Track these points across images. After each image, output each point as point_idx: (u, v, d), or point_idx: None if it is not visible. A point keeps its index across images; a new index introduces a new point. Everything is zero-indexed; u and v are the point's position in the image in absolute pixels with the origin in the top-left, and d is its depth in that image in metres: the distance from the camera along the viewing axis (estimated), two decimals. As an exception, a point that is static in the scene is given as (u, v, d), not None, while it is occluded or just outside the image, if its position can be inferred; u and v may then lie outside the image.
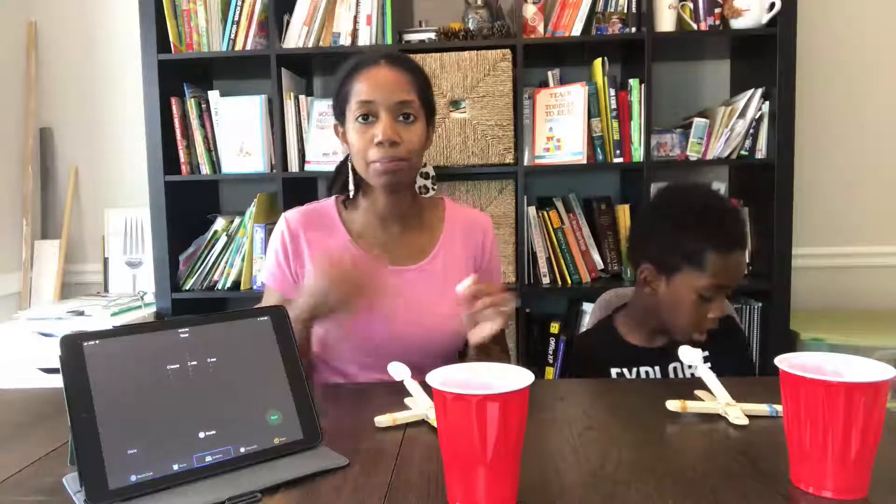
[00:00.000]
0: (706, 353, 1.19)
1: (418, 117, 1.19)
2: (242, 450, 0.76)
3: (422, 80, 1.22)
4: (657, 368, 1.23)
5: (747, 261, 1.21)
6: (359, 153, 1.17)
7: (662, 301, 1.22)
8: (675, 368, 1.24)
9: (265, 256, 1.33)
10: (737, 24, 2.00)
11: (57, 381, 0.74)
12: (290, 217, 1.27)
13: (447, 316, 1.23)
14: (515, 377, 0.66)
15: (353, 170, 1.24)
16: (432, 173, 1.29)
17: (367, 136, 1.16)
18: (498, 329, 1.03)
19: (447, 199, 1.35)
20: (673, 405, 0.92)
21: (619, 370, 1.25)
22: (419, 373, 0.94)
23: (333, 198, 1.32)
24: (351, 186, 1.26)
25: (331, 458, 0.78)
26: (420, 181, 1.28)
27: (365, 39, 2.06)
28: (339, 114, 1.23)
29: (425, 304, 1.23)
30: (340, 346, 1.20)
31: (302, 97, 2.12)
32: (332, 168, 2.04)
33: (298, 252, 1.25)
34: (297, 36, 2.08)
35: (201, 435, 0.75)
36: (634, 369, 1.24)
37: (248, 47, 2.09)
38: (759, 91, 2.03)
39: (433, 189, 1.29)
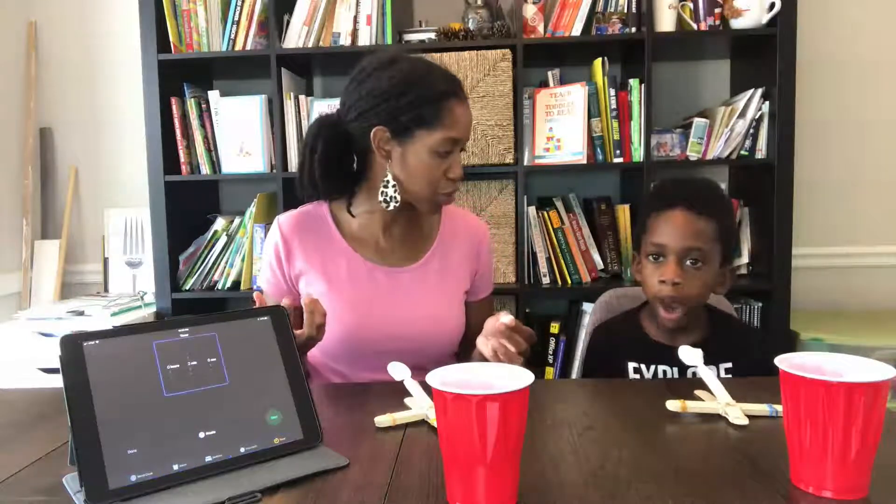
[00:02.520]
0: (728, 365, 1.19)
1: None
2: (242, 450, 0.76)
3: None
4: (675, 370, 1.21)
5: (706, 224, 1.16)
6: (430, 183, 1.17)
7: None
8: (693, 374, 1.22)
9: (262, 261, 1.32)
10: (737, 24, 2.00)
11: (57, 381, 0.74)
12: (283, 222, 1.27)
13: (442, 317, 1.26)
14: (515, 377, 0.66)
15: (363, 172, 1.21)
16: None
17: (441, 168, 1.16)
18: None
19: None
20: (673, 405, 0.92)
21: (636, 365, 1.23)
22: (417, 373, 0.94)
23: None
24: (392, 195, 1.18)
25: (331, 458, 0.78)
26: None
27: (365, 39, 2.06)
28: (400, 126, 1.14)
29: (420, 304, 1.24)
30: (336, 346, 1.20)
31: (302, 97, 2.12)
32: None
33: (291, 257, 1.25)
34: (297, 36, 2.08)
35: (201, 435, 0.75)
36: (653, 366, 1.22)
37: (248, 47, 2.09)
38: (759, 91, 2.03)
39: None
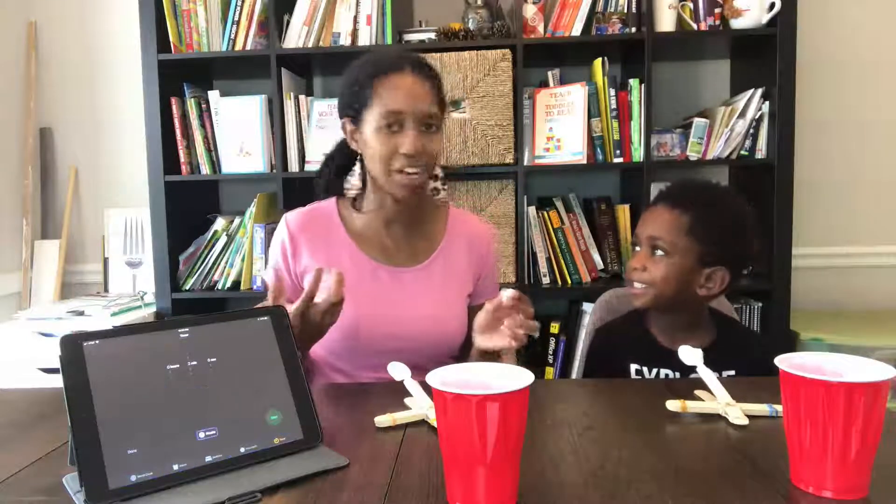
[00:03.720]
0: (731, 373, 1.19)
1: (439, 127, 1.20)
2: (242, 450, 0.76)
3: (441, 86, 1.23)
4: (678, 374, 1.21)
5: (678, 217, 1.18)
6: (382, 160, 1.16)
7: None
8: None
9: (269, 258, 1.34)
10: (737, 24, 2.00)
11: (57, 381, 0.74)
12: (291, 219, 1.28)
13: (444, 318, 1.26)
14: (515, 377, 0.66)
15: (363, 169, 1.25)
16: (441, 174, 1.30)
17: (390, 144, 1.16)
18: (507, 346, 1.04)
19: (452, 207, 1.36)
20: (673, 405, 0.92)
21: (638, 367, 1.23)
22: (417, 373, 0.94)
23: (334, 198, 1.32)
24: (358, 184, 1.26)
25: (331, 458, 0.78)
26: (430, 183, 1.30)
27: (365, 39, 2.07)
28: (353, 113, 1.20)
29: (422, 304, 1.24)
30: (337, 343, 1.21)
31: (302, 97, 2.12)
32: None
33: (298, 254, 1.26)
34: (297, 36, 2.08)
35: (201, 435, 0.75)
36: (655, 369, 1.22)
37: (248, 47, 2.09)
38: (759, 91, 2.03)
39: (444, 190, 1.31)
